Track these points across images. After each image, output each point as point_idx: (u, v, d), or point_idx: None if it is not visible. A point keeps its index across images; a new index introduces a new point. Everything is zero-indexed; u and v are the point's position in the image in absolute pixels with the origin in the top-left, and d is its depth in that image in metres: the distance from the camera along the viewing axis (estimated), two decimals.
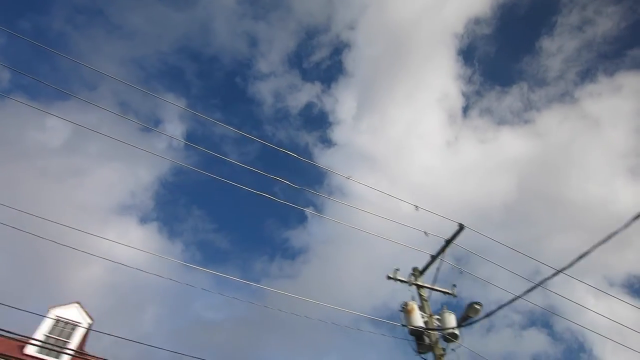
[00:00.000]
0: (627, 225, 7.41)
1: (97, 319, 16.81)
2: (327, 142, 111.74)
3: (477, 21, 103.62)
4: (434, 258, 11.60)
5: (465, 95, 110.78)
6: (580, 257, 7.99)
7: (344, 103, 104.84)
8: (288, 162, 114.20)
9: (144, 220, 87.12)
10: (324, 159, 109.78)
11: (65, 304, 16.39)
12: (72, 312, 16.32)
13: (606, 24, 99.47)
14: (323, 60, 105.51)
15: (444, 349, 9.95)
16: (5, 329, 6.71)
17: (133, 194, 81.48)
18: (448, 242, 11.44)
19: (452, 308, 10.95)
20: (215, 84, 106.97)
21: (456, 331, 10.22)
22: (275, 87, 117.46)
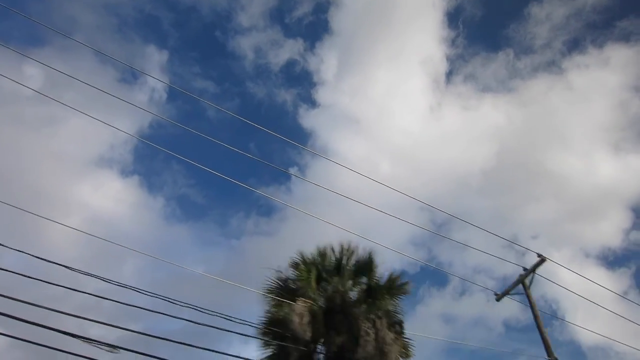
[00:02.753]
0: None
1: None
2: (312, 103, 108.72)
3: None
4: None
5: (449, 59, 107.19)
6: None
7: (328, 63, 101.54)
8: (268, 120, 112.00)
9: (124, 173, 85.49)
10: (309, 119, 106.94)
11: None
12: None
13: None
14: (305, 16, 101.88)
15: None
16: None
17: (112, 146, 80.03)
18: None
19: None
20: (193, 36, 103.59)
21: None
22: (256, 42, 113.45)
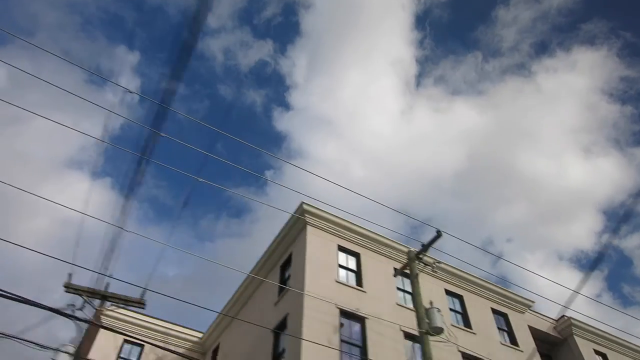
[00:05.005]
0: None
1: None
2: (285, 106, 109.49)
3: None
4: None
5: (419, 61, 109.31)
6: None
7: (300, 65, 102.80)
8: (240, 121, 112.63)
9: (95, 175, 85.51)
10: (283, 122, 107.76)
11: None
12: None
13: None
14: (274, 17, 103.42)
15: None
16: None
17: (83, 148, 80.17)
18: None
19: None
20: (160, 37, 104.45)
21: None
22: (225, 43, 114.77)
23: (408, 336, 16.61)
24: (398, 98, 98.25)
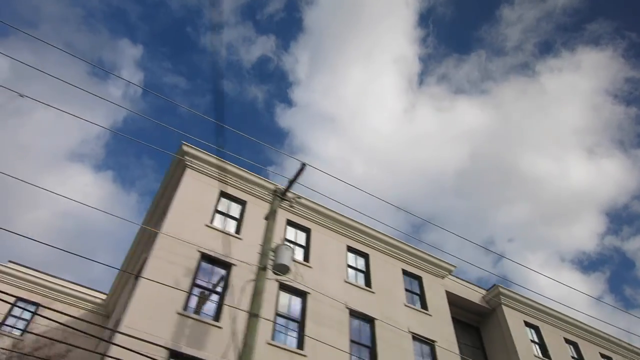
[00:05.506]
0: None
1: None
2: (288, 102, 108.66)
3: None
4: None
5: (422, 59, 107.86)
6: None
7: (303, 62, 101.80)
8: (242, 117, 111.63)
9: (97, 168, 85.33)
10: (285, 119, 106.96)
11: None
12: None
13: None
14: (277, 13, 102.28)
15: None
16: None
17: (84, 140, 79.90)
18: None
19: None
20: (163, 31, 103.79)
21: None
22: (228, 38, 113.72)
23: (284, 287, 15.11)
24: (400, 96, 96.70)
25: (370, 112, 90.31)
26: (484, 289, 21.99)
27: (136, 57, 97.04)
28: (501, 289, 21.23)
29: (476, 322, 21.85)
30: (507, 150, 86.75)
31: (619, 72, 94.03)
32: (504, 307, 21.07)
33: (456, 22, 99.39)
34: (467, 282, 21.96)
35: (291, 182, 12.47)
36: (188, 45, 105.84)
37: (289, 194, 12.68)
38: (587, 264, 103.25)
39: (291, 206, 13.15)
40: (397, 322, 16.53)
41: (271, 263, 10.88)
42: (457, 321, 21.50)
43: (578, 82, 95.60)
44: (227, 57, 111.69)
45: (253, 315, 9.79)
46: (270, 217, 12.05)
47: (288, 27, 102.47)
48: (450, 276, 21.45)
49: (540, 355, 20.47)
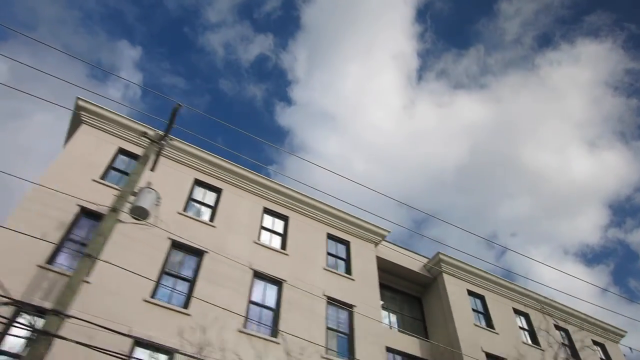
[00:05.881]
0: None
1: None
2: (287, 101, 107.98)
3: None
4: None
5: (420, 55, 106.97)
6: None
7: (301, 60, 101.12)
8: (241, 116, 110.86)
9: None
10: (285, 117, 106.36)
11: None
12: None
13: None
14: (274, 11, 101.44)
15: None
16: None
17: None
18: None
19: None
20: (161, 31, 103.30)
21: None
22: (226, 38, 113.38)
23: (178, 245, 14.05)
24: (400, 92, 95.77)
25: (369, 109, 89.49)
26: (426, 257, 20.73)
27: (135, 58, 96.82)
28: (442, 256, 19.96)
29: (419, 293, 20.60)
30: (508, 145, 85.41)
31: (618, 64, 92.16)
32: (444, 275, 19.80)
33: (454, 17, 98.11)
34: (409, 250, 20.72)
35: (169, 126, 11.50)
36: (186, 46, 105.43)
37: (166, 142, 11.66)
38: (590, 257, 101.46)
39: (160, 151, 12.04)
40: (310, 285, 15.38)
41: (122, 203, 9.85)
42: (398, 292, 20.35)
43: (578, 75, 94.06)
44: (225, 56, 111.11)
45: (87, 255, 8.72)
46: (142, 161, 11.03)
47: (286, 25, 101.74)
48: (392, 245, 20.27)
49: (484, 325, 19.18)
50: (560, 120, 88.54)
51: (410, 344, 17.72)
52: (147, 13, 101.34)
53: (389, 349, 16.42)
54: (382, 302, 19.20)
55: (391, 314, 19.32)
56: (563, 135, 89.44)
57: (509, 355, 18.21)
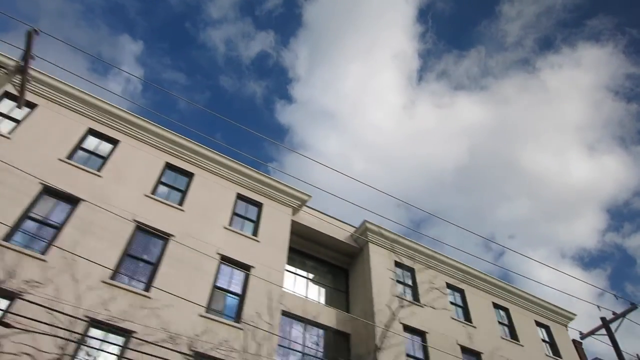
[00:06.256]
0: None
1: None
2: (288, 99, 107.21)
3: None
4: None
5: (421, 55, 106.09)
6: None
7: (302, 58, 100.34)
8: (241, 113, 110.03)
9: None
10: (285, 115, 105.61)
11: None
12: None
13: None
14: (276, 8, 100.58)
15: None
16: None
17: None
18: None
19: None
20: (162, 27, 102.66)
21: None
22: (227, 34, 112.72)
23: (49, 191, 13.04)
24: (400, 92, 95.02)
25: (370, 109, 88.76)
26: (354, 227, 19.57)
27: (136, 53, 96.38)
28: (369, 225, 18.80)
29: (346, 264, 19.44)
30: (508, 147, 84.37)
31: (619, 69, 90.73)
32: (370, 245, 18.64)
33: (455, 18, 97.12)
34: (337, 219, 19.57)
35: (25, 54, 10.53)
36: (187, 41, 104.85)
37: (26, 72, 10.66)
38: (587, 261, 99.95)
39: (23, 84, 10.97)
40: (203, 242, 14.30)
41: None
42: (324, 262, 19.22)
43: (579, 79, 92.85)
44: (226, 52, 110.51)
45: None
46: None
47: (287, 22, 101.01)
48: (319, 214, 19.15)
49: (411, 298, 18.01)
50: (560, 124, 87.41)
51: (322, 313, 16.58)
52: (149, 8, 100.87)
53: (288, 314, 15.27)
54: (309, 275, 18.12)
55: (313, 284, 18.19)
56: (563, 139, 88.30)
57: (432, 330, 17.03)
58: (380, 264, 18.14)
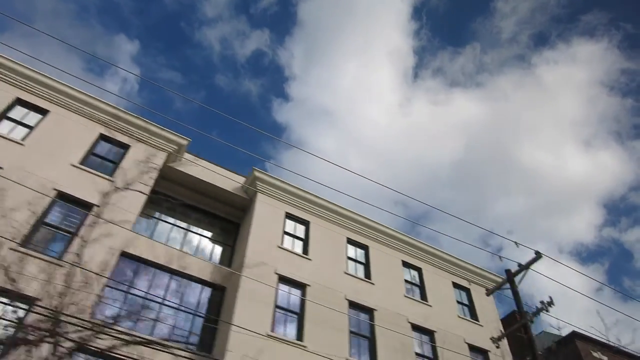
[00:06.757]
0: None
1: None
2: (284, 97, 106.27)
3: None
4: None
5: (416, 52, 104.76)
6: None
7: (298, 56, 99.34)
8: (237, 113, 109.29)
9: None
10: (283, 114, 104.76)
11: None
12: None
13: None
14: (271, 6, 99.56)
15: None
16: None
17: None
18: None
19: None
20: (157, 26, 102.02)
21: None
22: (222, 33, 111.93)
23: None
24: (396, 90, 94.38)
25: (366, 106, 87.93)
26: (245, 176, 18.14)
27: (132, 52, 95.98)
28: (258, 173, 17.37)
29: (238, 218, 18.02)
30: (504, 143, 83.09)
31: (614, 64, 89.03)
32: (259, 195, 17.22)
33: (450, 15, 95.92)
34: (226, 168, 18.15)
35: None
36: (182, 40, 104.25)
37: None
38: (585, 256, 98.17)
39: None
40: (39, 179, 12.99)
41: None
42: (216, 217, 17.83)
43: (574, 74, 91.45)
44: (221, 51, 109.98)
45: None
46: None
47: (282, 21, 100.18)
48: (206, 162, 17.77)
49: (300, 251, 16.58)
50: (556, 119, 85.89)
51: (196, 265, 15.17)
52: (143, 7, 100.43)
53: (127, 254, 13.83)
54: (190, 227, 16.75)
55: (197, 236, 16.81)
56: (558, 134, 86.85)
57: (316, 283, 15.57)
58: (265, 214, 16.71)
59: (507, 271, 13.69)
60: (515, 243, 13.11)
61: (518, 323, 12.36)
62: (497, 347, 13.66)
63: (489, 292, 14.41)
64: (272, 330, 13.65)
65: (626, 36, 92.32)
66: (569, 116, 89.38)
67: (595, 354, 21.38)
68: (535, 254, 12.97)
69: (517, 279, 13.40)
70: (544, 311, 12.45)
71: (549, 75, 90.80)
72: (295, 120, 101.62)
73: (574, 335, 21.33)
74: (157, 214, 16.50)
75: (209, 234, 17.30)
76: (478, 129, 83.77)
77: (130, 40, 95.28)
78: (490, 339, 13.81)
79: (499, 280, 20.74)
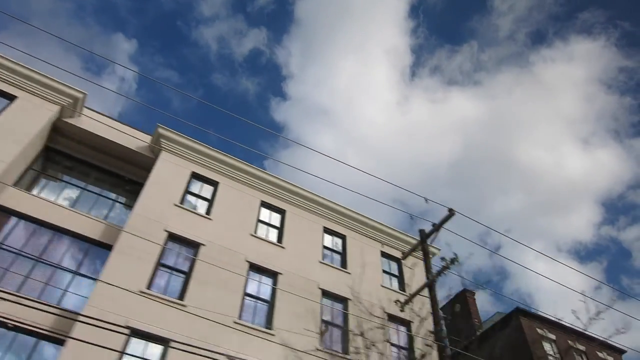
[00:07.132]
0: None
1: None
2: (282, 96, 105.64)
3: None
4: None
5: (414, 50, 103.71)
6: None
7: (296, 55, 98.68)
8: (236, 111, 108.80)
9: None
10: (281, 113, 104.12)
11: None
12: None
13: None
14: (268, 4, 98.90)
15: None
16: None
17: None
18: None
19: None
20: (154, 25, 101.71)
21: None
22: (219, 31, 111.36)
23: None
24: (393, 88, 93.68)
25: (363, 105, 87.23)
26: (149, 134, 17.10)
27: (130, 51, 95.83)
28: (162, 130, 16.34)
29: (142, 179, 16.98)
30: (502, 141, 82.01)
31: (612, 62, 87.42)
32: (163, 153, 16.20)
33: (447, 13, 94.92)
34: (131, 126, 17.13)
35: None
36: (179, 39, 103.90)
37: None
38: (583, 254, 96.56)
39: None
40: None
41: None
42: (121, 177, 16.82)
43: (571, 72, 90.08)
44: (218, 50, 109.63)
45: None
46: None
47: (279, 19, 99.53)
48: (107, 119, 16.77)
49: (203, 211, 15.53)
50: (554, 118, 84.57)
51: (77, 221, 14.15)
52: (140, 6, 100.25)
53: (15, 212, 12.81)
54: (87, 186, 15.75)
55: (91, 194, 15.81)
56: (556, 133, 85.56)
57: (211, 242, 14.51)
58: (166, 172, 15.67)
59: (421, 231, 12.67)
60: (425, 199, 12.11)
61: (424, 283, 11.35)
62: (401, 310, 12.54)
63: (404, 256, 13.35)
64: (149, 288, 12.59)
65: (624, 34, 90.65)
66: (567, 114, 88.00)
67: (540, 331, 20.09)
68: (449, 211, 12.05)
69: (429, 240, 12.40)
70: (448, 270, 11.46)
71: (547, 73, 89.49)
72: (293, 119, 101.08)
73: (518, 311, 20.07)
74: (58, 174, 15.54)
75: (113, 195, 16.30)
76: (476, 127, 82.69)
77: (128, 39, 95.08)
78: (395, 301, 12.75)
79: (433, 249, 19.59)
